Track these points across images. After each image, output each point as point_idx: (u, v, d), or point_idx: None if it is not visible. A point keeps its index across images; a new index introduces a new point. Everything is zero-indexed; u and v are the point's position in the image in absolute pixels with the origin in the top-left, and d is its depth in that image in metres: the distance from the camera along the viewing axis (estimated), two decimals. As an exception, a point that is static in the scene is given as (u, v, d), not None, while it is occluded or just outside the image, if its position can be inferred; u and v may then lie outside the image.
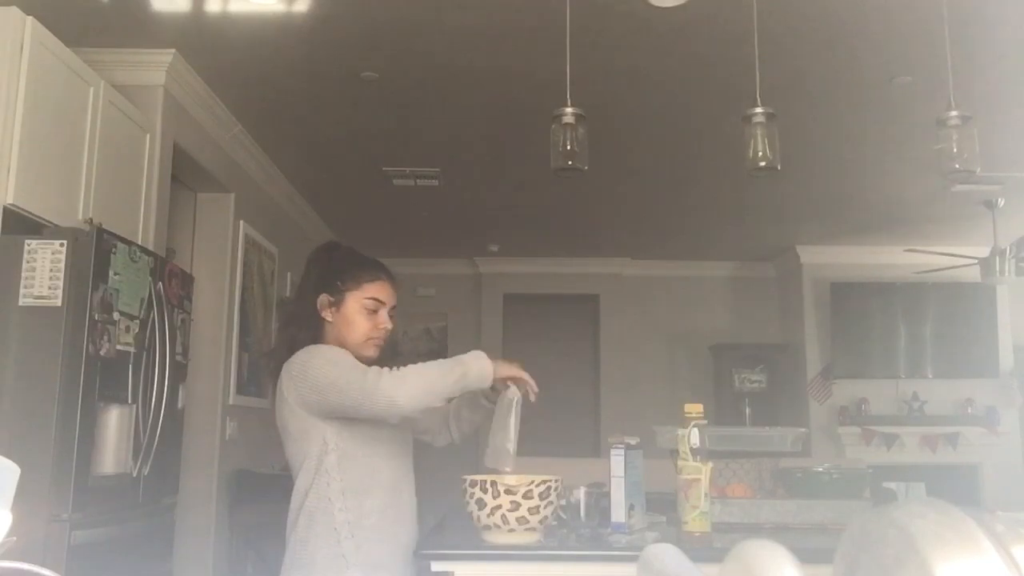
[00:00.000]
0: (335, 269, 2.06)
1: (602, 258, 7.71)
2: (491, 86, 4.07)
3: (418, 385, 1.84)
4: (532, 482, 1.89)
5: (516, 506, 1.87)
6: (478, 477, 1.93)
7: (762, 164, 2.59)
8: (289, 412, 1.94)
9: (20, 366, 2.68)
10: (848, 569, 0.85)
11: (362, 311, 2.04)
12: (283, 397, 1.96)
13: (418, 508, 2.10)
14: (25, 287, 2.71)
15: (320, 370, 1.89)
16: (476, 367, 1.91)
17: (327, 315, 2.03)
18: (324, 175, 5.59)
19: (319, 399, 1.90)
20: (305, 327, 2.02)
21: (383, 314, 2.07)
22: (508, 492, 1.87)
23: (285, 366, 1.97)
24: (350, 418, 1.91)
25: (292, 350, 1.99)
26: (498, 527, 1.88)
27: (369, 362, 2.05)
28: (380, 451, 1.97)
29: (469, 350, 1.99)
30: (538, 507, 1.88)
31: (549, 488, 1.90)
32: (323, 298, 2.03)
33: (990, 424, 6.82)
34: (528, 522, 1.88)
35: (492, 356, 1.96)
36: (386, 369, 1.86)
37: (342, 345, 2.02)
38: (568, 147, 2.63)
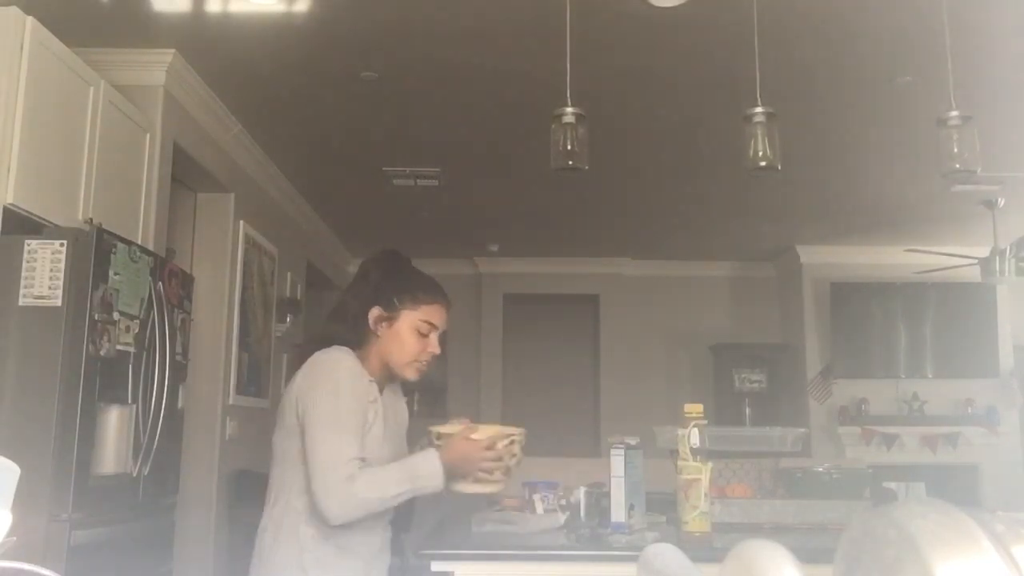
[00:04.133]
0: (394, 284, 2.00)
1: (602, 258, 7.71)
2: (491, 86, 4.07)
3: (363, 509, 1.81)
4: (497, 435, 1.90)
5: None
6: (444, 431, 1.94)
7: (762, 164, 2.59)
8: (290, 407, 1.93)
9: (20, 366, 2.68)
10: (848, 569, 0.85)
11: (414, 332, 1.98)
12: (291, 389, 1.94)
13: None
14: (25, 287, 2.71)
15: (318, 412, 1.85)
16: (428, 485, 1.85)
17: (378, 329, 1.98)
18: (324, 175, 5.59)
19: (298, 428, 1.88)
20: (352, 327, 1.98)
21: (434, 338, 2.00)
22: None
23: (310, 359, 1.93)
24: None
25: (328, 345, 1.96)
26: (463, 478, 1.90)
27: (408, 384, 2.04)
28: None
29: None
30: (501, 458, 1.89)
31: (514, 442, 1.91)
32: (376, 311, 1.97)
33: (990, 424, 6.81)
34: (492, 474, 1.90)
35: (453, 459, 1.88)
36: (359, 479, 1.79)
37: (386, 360, 1.98)
38: (568, 147, 2.63)
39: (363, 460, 1.83)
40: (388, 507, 1.84)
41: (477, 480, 1.89)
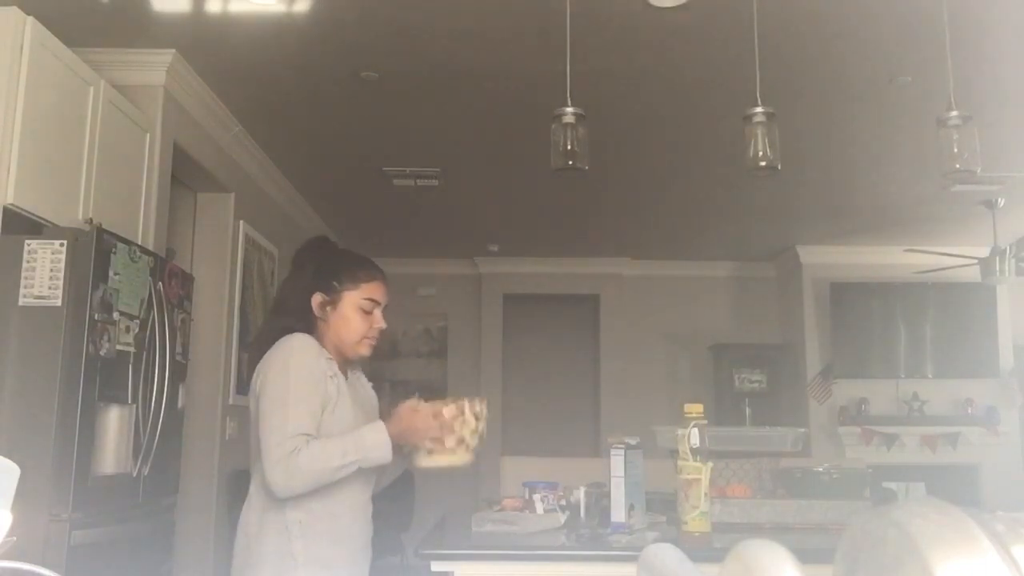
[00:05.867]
0: (330, 268, 2.06)
1: (602, 258, 7.71)
2: (491, 86, 4.07)
3: (309, 480, 1.83)
4: (443, 405, 1.93)
5: None
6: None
7: (762, 164, 2.59)
8: (252, 399, 1.96)
9: (20, 366, 2.68)
10: (848, 569, 0.85)
11: (358, 311, 2.03)
12: (252, 383, 1.97)
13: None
14: (25, 287, 2.71)
15: (267, 393, 1.89)
16: (375, 456, 1.89)
17: (322, 315, 2.02)
18: (324, 175, 5.59)
19: (254, 412, 1.92)
20: (298, 317, 2.01)
21: (378, 314, 2.07)
22: None
23: (269, 351, 1.97)
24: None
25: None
26: (417, 451, 1.93)
27: (363, 361, 2.08)
28: None
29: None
30: (452, 428, 1.91)
31: (464, 411, 1.93)
32: (318, 297, 2.02)
33: (990, 424, 6.81)
34: (445, 444, 1.91)
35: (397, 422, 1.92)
36: (304, 450, 1.82)
37: (338, 343, 2.02)
38: (568, 147, 2.63)
39: (310, 436, 1.85)
40: (337, 478, 1.85)
41: (431, 452, 1.91)
